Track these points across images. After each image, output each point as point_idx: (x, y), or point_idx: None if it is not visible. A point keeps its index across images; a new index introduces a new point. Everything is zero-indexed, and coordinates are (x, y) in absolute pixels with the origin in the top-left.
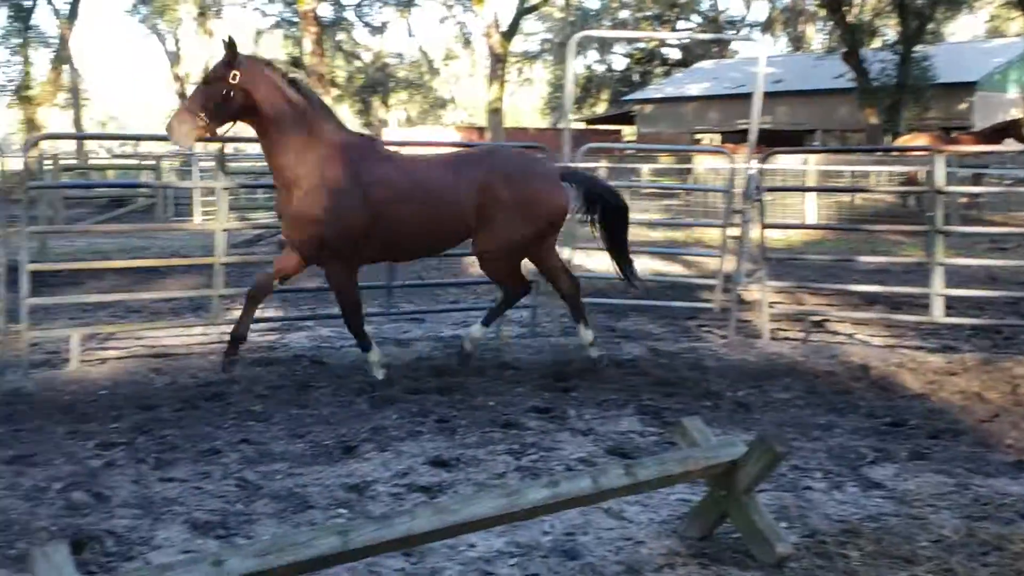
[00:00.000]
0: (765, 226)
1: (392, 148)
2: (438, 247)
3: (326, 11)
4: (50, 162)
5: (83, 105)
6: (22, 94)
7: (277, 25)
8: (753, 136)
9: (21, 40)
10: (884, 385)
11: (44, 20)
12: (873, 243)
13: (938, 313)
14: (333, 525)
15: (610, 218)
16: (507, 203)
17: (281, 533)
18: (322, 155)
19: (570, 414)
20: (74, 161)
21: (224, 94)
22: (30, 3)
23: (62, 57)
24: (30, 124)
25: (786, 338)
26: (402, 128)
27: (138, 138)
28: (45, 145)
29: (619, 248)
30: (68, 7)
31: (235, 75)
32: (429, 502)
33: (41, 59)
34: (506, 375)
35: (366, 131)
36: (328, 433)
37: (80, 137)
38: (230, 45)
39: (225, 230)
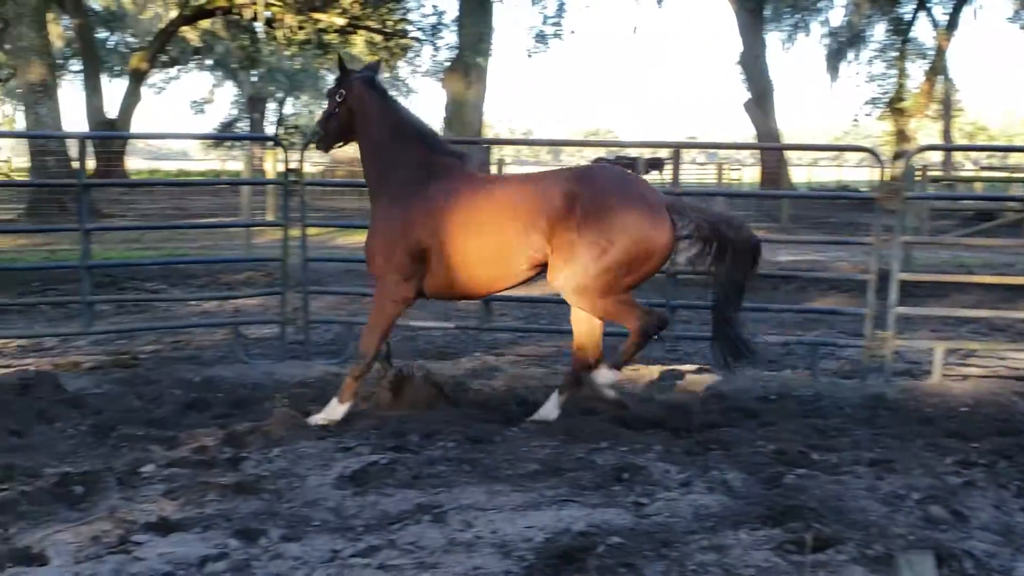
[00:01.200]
0: None
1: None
2: (506, 279)
3: None
4: (919, 173)
5: (954, 116)
6: (895, 106)
7: None
8: None
9: (898, 53)
10: None
11: (922, 32)
12: None
13: None
14: None
15: (736, 259)
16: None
17: None
18: (399, 173)
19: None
20: (940, 173)
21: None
22: (909, 16)
23: (936, 68)
24: (900, 135)
25: None
26: None
27: (1005, 149)
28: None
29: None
30: (947, 18)
31: (341, 94)
32: None
33: (915, 71)
34: None
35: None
36: None
37: (949, 148)
38: (340, 63)
39: None
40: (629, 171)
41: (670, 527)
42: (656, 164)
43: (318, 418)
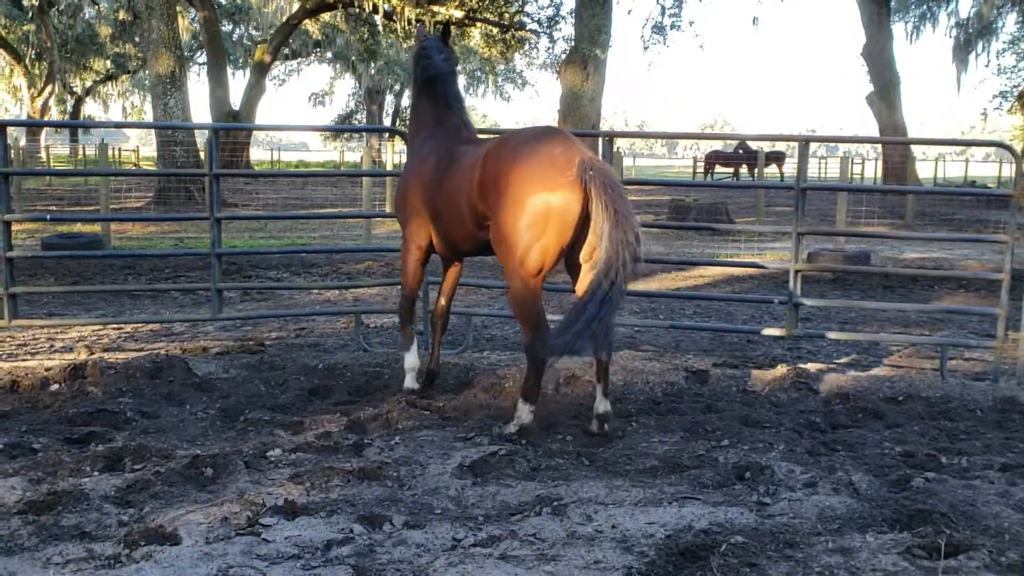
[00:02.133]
0: None
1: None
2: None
3: None
4: None
5: None
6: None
7: None
8: None
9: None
10: None
11: None
12: None
13: None
14: None
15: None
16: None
17: None
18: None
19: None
20: None
21: None
22: None
23: None
24: None
25: None
26: None
27: None
28: None
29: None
30: None
31: None
32: None
33: None
34: None
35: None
36: None
37: None
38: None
39: None
40: (561, 135)
41: (794, 528)
42: (777, 157)
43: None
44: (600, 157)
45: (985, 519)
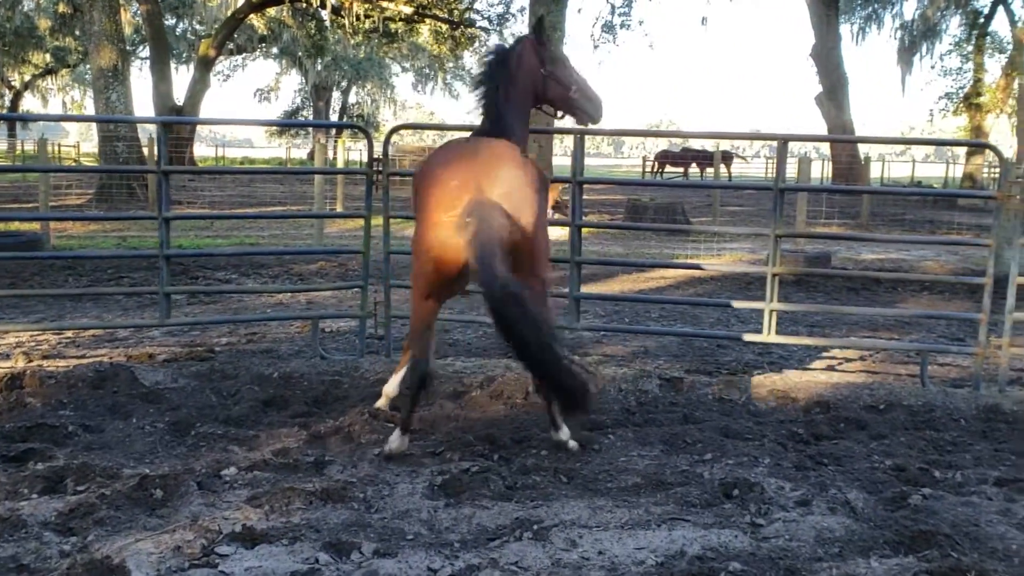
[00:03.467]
0: None
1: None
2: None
3: None
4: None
5: None
6: (971, 101)
7: None
8: None
9: (974, 47)
10: None
11: (1000, 26)
12: None
13: None
14: None
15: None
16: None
17: None
18: None
19: None
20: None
21: None
22: (987, 10)
23: (1015, 63)
24: (976, 131)
25: None
26: None
27: None
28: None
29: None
30: None
31: None
32: None
33: (992, 66)
34: None
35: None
36: None
37: None
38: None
39: None
40: (470, 160)
41: (793, 552)
42: (726, 157)
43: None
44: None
45: (991, 540)
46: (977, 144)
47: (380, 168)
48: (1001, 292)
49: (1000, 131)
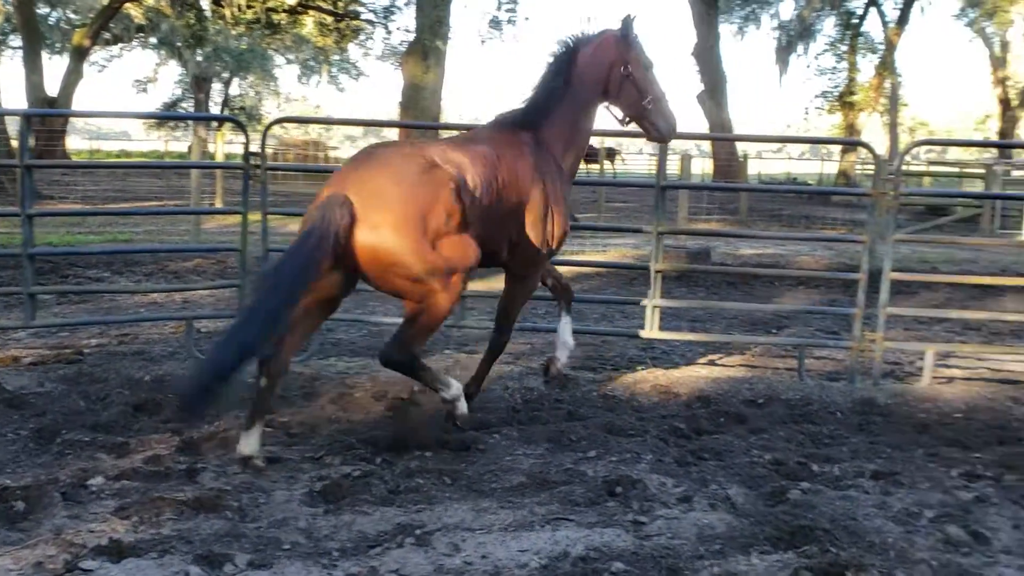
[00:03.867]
0: None
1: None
2: None
3: None
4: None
5: (899, 110)
6: (845, 100)
7: None
8: None
9: (848, 47)
10: None
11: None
12: None
13: None
14: None
15: None
16: None
17: None
18: None
19: None
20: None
21: None
22: (860, 11)
23: (887, 63)
24: (849, 129)
25: None
26: None
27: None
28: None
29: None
30: (898, 13)
31: None
32: None
33: (865, 66)
34: None
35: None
36: None
37: (947, 143)
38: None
39: None
40: (358, 162)
41: (675, 550)
42: (610, 154)
43: None
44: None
45: (868, 534)
46: (851, 142)
47: (258, 163)
48: (875, 287)
49: (872, 129)
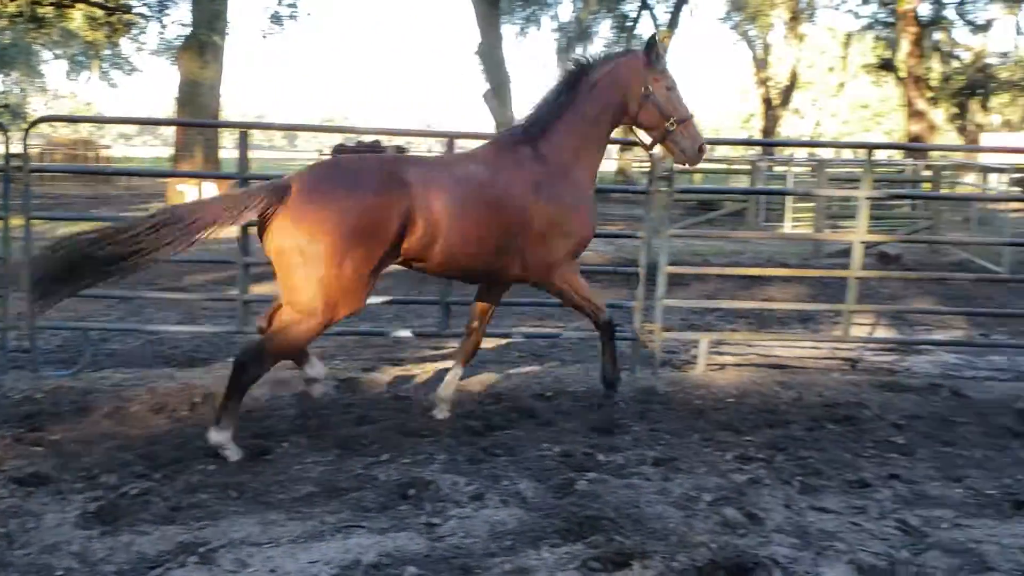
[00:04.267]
0: None
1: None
2: None
3: (925, 10)
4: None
5: None
6: None
7: (869, 27)
8: None
9: (623, 48)
10: None
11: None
12: None
13: None
14: None
15: None
16: None
17: None
18: None
19: None
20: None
21: None
22: (634, 14)
23: None
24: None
25: None
26: (999, 133)
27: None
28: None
29: None
30: (669, 16)
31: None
32: None
33: None
34: None
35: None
36: (989, 481)
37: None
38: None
39: (863, 242)
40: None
41: (468, 549)
42: (400, 152)
43: None
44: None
45: (651, 521)
46: (626, 141)
47: (20, 164)
48: (653, 280)
49: None
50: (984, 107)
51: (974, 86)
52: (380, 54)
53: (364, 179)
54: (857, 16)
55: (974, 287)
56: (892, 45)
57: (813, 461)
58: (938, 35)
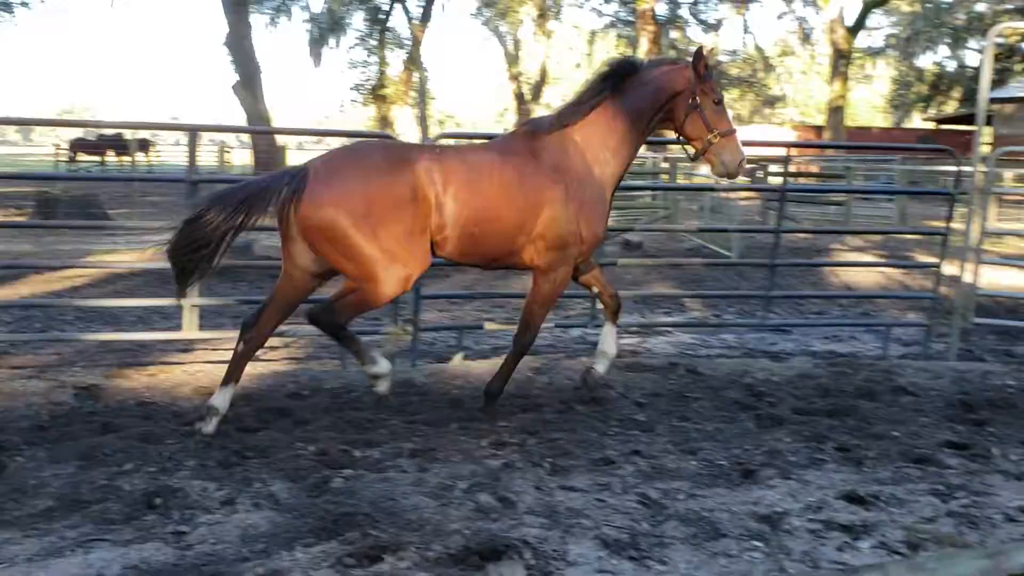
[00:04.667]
0: None
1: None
2: None
3: (661, 9)
4: None
5: (428, 103)
6: (377, 92)
7: (612, 25)
8: None
9: (378, 42)
10: None
11: (399, 22)
12: None
13: None
14: None
15: None
16: None
17: None
18: None
19: (993, 452)
20: None
21: None
22: (387, 6)
23: (414, 58)
24: (383, 121)
25: None
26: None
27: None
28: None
29: None
30: (421, 9)
31: None
32: (902, 559)
33: (395, 60)
34: (903, 401)
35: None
36: (720, 452)
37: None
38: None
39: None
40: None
41: (219, 556)
42: (143, 145)
43: None
44: None
45: (407, 513)
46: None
47: None
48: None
49: (406, 121)
50: None
51: None
52: (125, 44)
53: (381, 163)
54: (600, 14)
55: (707, 271)
56: (633, 43)
57: (563, 442)
58: (675, 33)
